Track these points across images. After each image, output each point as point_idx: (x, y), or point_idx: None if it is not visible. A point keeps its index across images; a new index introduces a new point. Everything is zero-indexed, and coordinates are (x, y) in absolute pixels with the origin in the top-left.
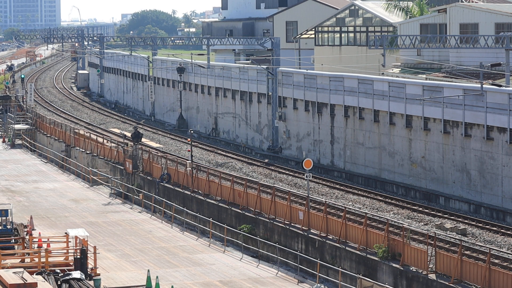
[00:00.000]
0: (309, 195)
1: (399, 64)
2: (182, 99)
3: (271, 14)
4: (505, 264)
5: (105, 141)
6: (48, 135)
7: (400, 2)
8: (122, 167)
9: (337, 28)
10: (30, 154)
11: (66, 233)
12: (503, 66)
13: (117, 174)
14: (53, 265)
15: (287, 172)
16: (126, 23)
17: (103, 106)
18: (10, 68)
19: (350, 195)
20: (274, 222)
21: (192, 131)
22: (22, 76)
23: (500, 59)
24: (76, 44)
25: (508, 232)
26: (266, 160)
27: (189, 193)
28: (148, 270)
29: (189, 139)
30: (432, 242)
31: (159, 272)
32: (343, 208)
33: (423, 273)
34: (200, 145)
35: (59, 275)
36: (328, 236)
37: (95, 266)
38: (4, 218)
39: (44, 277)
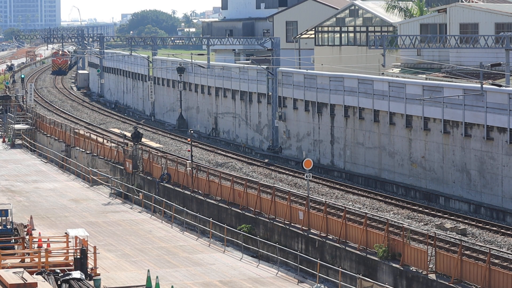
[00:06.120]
0: (309, 195)
1: (399, 64)
2: (182, 99)
3: (271, 14)
4: (505, 264)
5: (105, 141)
6: (48, 135)
7: (400, 2)
8: (122, 167)
9: (337, 28)
10: (30, 154)
11: (66, 233)
12: (503, 66)
13: (117, 174)
14: (53, 265)
15: (287, 172)
16: (126, 23)
17: (103, 106)
18: (10, 68)
19: (350, 195)
20: (274, 222)
21: (192, 131)
22: (22, 76)
23: (500, 59)
24: (60, 52)
25: (508, 232)
26: (266, 160)
27: (189, 193)
28: (148, 270)
29: (189, 139)
30: (432, 242)
31: (159, 272)
32: (343, 208)
33: (423, 273)
34: (200, 145)
35: (59, 275)
36: (328, 236)
37: (95, 266)
38: (4, 218)
39: (44, 277)
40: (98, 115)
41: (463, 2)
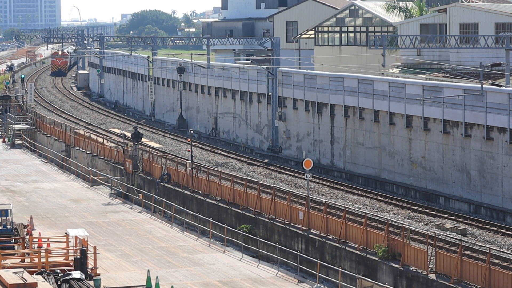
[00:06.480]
0: (309, 195)
1: (399, 64)
2: (182, 99)
3: (271, 14)
4: (505, 264)
5: (105, 141)
6: (48, 135)
7: (400, 2)
8: (122, 167)
9: (337, 28)
10: (30, 154)
11: (66, 233)
12: (503, 66)
13: (117, 174)
14: (53, 265)
15: (287, 172)
16: (126, 23)
17: (103, 106)
18: (10, 68)
19: (350, 195)
20: (274, 222)
21: (192, 131)
22: (22, 76)
23: (500, 59)
24: (60, 53)
25: (508, 232)
26: (266, 160)
27: (189, 193)
28: (148, 270)
29: (189, 139)
30: (432, 242)
31: (159, 272)
32: (343, 208)
33: (423, 273)
34: (200, 145)
35: (59, 275)
36: (328, 236)
37: (95, 266)
38: (4, 218)
39: (44, 277)
40: (98, 115)
41: (463, 2)
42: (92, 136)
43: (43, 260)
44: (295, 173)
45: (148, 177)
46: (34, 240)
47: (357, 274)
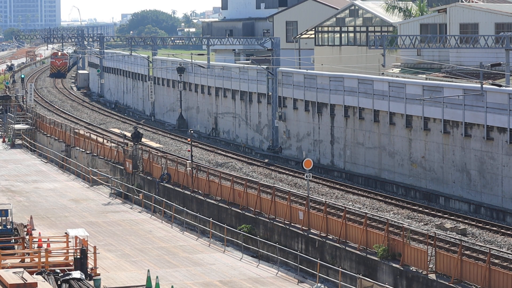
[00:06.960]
0: (309, 195)
1: (399, 64)
2: (182, 99)
3: (271, 14)
4: (505, 264)
5: (105, 141)
6: (48, 135)
7: (400, 2)
8: (122, 167)
9: (337, 28)
10: (30, 154)
11: (66, 233)
12: (503, 66)
13: (117, 174)
14: (53, 265)
15: (287, 172)
16: (126, 23)
17: (103, 106)
18: (10, 68)
19: (350, 195)
20: (274, 222)
21: (192, 131)
22: (22, 76)
23: (500, 59)
24: (59, 53)
25: (508, 232)
26: (266, 160)
27: (189, 193)
28: (148, 270)
29: (189, 139)
30: (432, 242)
31: (159, 272)
32: (343, 208)
33: (423, 273)
34: (200, 145)
35: (59, 275)
36: (328, 236)
37: (95, 266)
38: (4, 218)
39: (44, 277)
40: (98, 115)
41: (463, 2)
42: (92, 136)
43: (43, 260)
44: (295, 173)
45: (148, 177)
46: (34, 240)
47: (357, 274)
